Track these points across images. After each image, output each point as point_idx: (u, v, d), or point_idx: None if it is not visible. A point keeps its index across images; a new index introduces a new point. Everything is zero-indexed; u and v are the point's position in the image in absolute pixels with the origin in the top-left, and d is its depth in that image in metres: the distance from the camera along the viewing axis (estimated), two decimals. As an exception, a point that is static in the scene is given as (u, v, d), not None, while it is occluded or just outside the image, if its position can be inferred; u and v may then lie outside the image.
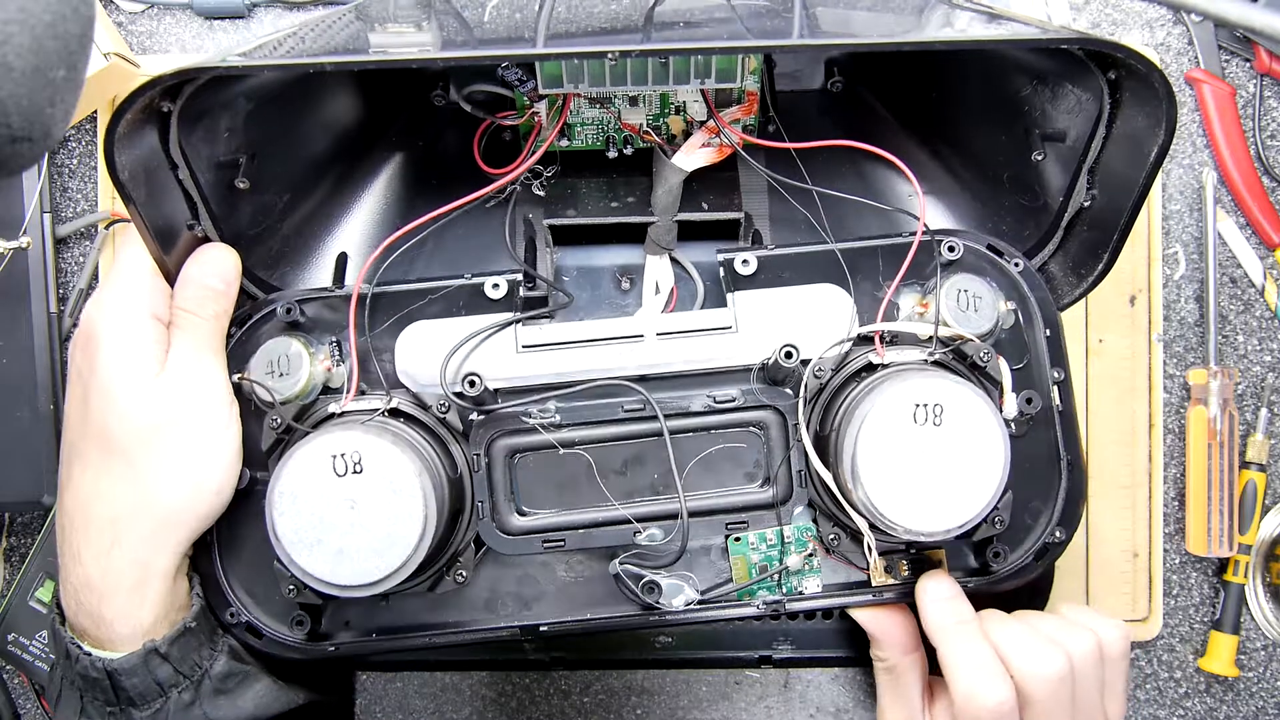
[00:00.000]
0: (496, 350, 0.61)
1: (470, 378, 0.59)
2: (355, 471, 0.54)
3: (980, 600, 0.63)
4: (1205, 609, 0.87)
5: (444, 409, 0.60)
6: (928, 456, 0.55)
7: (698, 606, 0.63)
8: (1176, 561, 0.87)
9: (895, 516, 0.55)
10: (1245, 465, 0.85)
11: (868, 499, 0.55)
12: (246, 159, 0.64)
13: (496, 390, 0.61)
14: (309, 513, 0.54)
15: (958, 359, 0.61)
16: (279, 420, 0.59)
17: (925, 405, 0.55)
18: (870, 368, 0.61)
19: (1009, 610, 0.63)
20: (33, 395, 0.79)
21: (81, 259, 0.82)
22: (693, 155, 0.70)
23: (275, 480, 0.54)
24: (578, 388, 0.60)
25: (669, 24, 0.61)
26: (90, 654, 0.57)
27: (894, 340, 0.62)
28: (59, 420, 0.79)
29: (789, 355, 0.59)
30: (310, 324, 0.62)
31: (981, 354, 0.60)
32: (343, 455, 0.54)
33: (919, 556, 0.64)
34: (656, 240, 0.71)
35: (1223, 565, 0.86)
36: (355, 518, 0.54)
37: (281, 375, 0.60)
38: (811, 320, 0.62)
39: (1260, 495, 0.84)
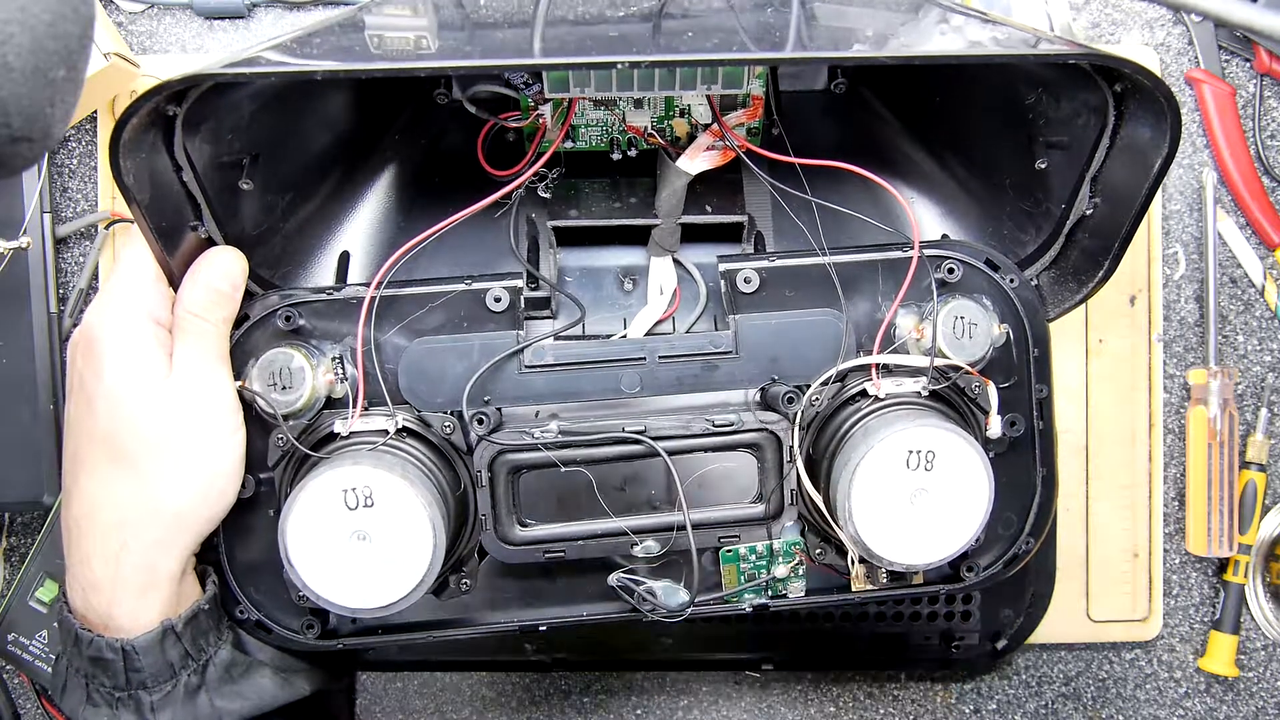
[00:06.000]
0: (500, 371, 0.62)
1: (479, 415, 0.60)
2: (366, 505, 0.55)
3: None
4: (1205, 609, 0.88)
5: (448, 430, 0.61)
6: (917, 498, 0.57)
7: (690, 608, 0.64)
8: (1176, 561, 0.87)
9: (883, 552, 0.58)
10: (1245, 465, 0.85)
11: (859, 536, 0.57)
12: (250, 160, 0.64)
13: (499, 408, 0.61)
14: (322, 544, 0.55)
15: (950, 388, 0.62)
16: (284, 438, 0.60)
17: (918, 452, 0.57)
18: (864, 394, 0.62)
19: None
20: (33, 395, 0.79)
21: (81, 259, 0.82)
22: (697, 158, 0.70)
23: (288, 512, 0.55)
24: (580, 437, 0.61)
25: (676, 30, 0.61)
26: (103, 636, 0.58)
27: (890, 366, 0.63)
28: (59, 420, 0.79)
29: (790, 400, 0.61)
30: (310, 330, 0.62)
31: (974, 385, 0.62)
32: (354, 490, 0.55)
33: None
34: (660, 242, 0.71)
35: (1223, 565, 0.87)
36: (367, 548, 0.55)
37: (284, 389, 0.60)
38: (810, 347, 0.63)
39: (1260, 495, 0.85)
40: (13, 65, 0.41)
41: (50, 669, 0.78)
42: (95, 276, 0.82)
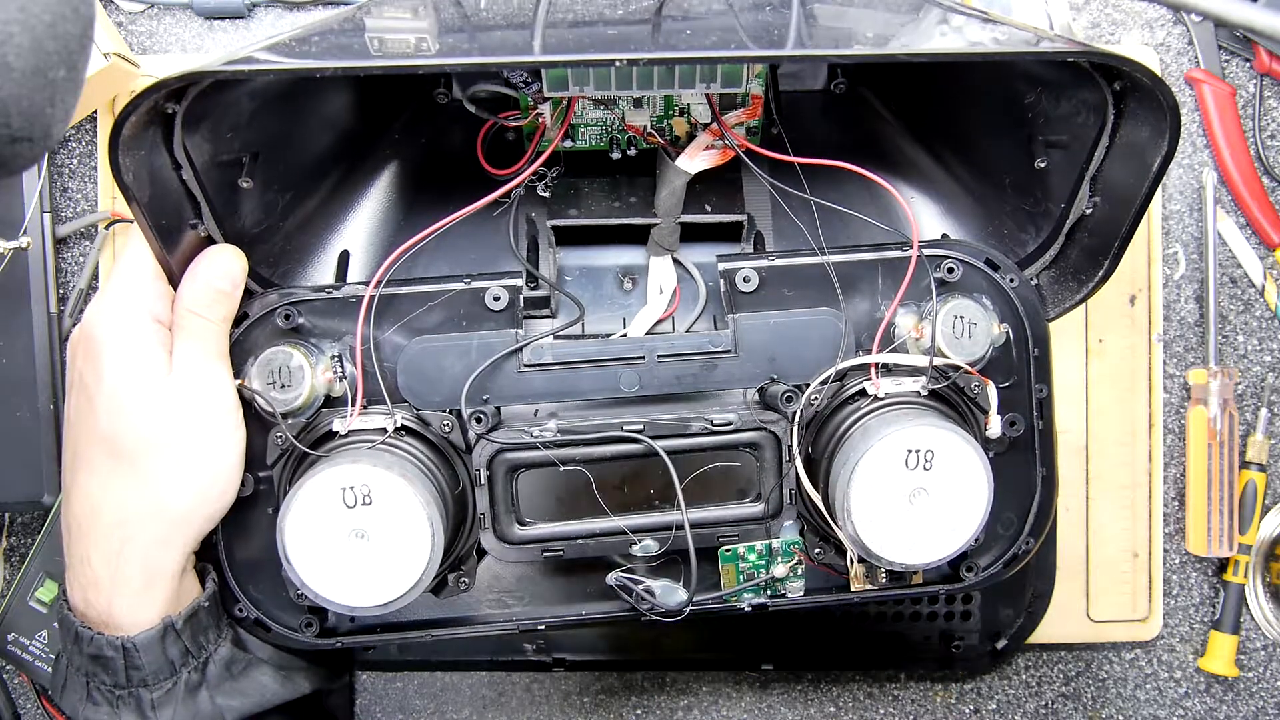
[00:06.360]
0: (499, 369, 0.62)
1: (477, 414, 0.60)
2: (365, 503, 0.55)
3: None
4: (1205, 609, 0.88)
5: (447, 429, 0.61)
6: (916, 498, 0.57)
7: (689, 607, 0.64)
8: (1176, 561, 0.87)
9: (882, 551, 0.58)
10: (1245, 465, 0.85)
11: (857, 535, 0.58)
12: (249, 158, 0.64)
13: (498, 407, 0.61)
14: (320, 542, 0.55)
15: (950, 388, 0.62)
16: (283, 437, 0.60)
17: (917, 451, 0.57)
18: (863, 393, 0.62)
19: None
20: (33, 395, 0.79)
21: (81, 259, 0.82)
22: (696, 158, 0.70)
23: (286, 510, 0.55)
24: (579, 435, 0.61)
25: (675, 29, 0.61)
26: (103, 634, 0.58)
27: (889, 365, 0.63)
28: (59, 420, 0.79)
29: (789, 399, 0.61)
30: (309, 328, 0.62)
31: (973, 384, 0.62)
32: (352, 488, 0.55)
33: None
34: (659, 241, 0.71)
35: (1223, 565, 0.87)
36: (365, 546, 0.56)
37: (283, 387, 0.60)
38: (809, 346, 0.63)
39: (1260, 495, 0.85)
40: (13, 65, 0.41)
41: (50, 669, 0.78)
42: (95, 276, 0.82)
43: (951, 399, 0.63)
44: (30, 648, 0.79)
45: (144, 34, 0.83)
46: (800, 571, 0.66)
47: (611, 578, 0.63)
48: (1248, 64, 0.85)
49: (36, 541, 0.79)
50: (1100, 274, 0.65)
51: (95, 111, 0.81)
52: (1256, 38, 0.83)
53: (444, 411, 0.61)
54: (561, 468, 0.61)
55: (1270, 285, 0.86)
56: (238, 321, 0.61)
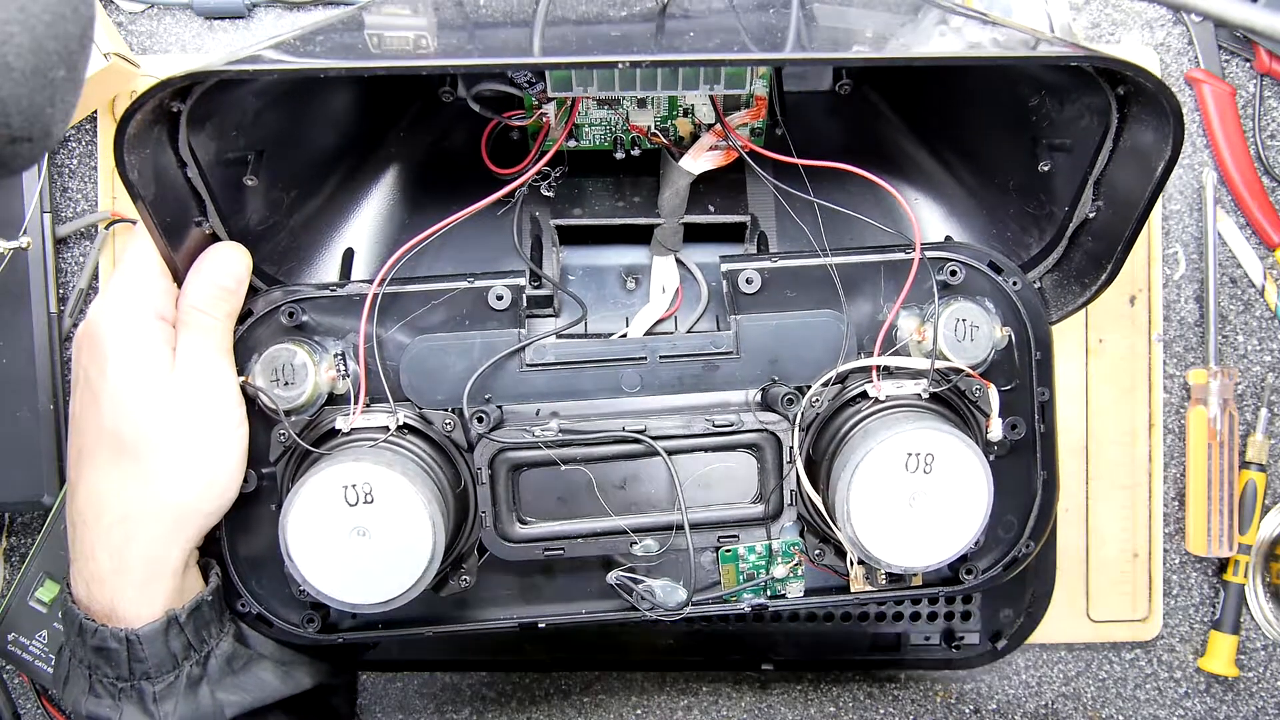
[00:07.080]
0: (502, 368, 0.62)
1: (479, 413, 0.60)
2: (366, 502, 0.55)
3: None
4: (1205, 609, 0.88)
5: (449, 427, 0.61)
6: (916, 500, 0.58)
7: (689, 606, 0.64)
8: (1176, 561, 0.87)
9: (882, 554, 0.58)
10: (1245, 465, 0.85)
11: (857, 537, 0.58)
12: (254, 156, 0.64)
13: (500, 406, 0.62)
14: (322, 540, 0.56)
15: (951, 390, 0.62)
16: (286, 434, 0.60)
17: (917, 454, 0.57)
18: (865, 395, 0.62)
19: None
20: (33, 395, 0.78)
21: (81, 259, 0.82)
22: (700, 158, 0.70)
23: (288, 508, 0.56)
24: (580, 435, 0.61)
25: (678, 30, 0.61)
26: (107, 626, 0.58)
27: (891, 368, 0.63)
28: (59, 420, 0.79)
29: (790, 401, 0.61)
30: (313, 326, 0.62)
31: (974, 388, 0.62)
32: (354, 486, 0.55)
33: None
34: (662, 242, 0.71)
35: (1223, 565, 0.87)
36: (367, 545, 0.56)
37: (286, 384, 0.60)
38: (811, 348, 0.63)
39: (1260, 495, 0.85)
40: (13, 65, 0.41)
41: (50, 669, 0.78)
42: (95, 276, 0.81)
43: (953, 402, 0.63)
44: (30, 648, 0.79)
45: (144, 34, 0.83)
46: (800, 572, 0.66)
47: (612, 577, 0.64)
48: (1248, 64, 0.85)
49: (36, 541, 0.79)
50: (1104, 277, 0.65)
51: (95, 111, 0.81)
52: (1256, 38, 0.83)
53: (446, 410, 0.61)
54: (563, 467, 0.61)
55: (1270, 285, 0.86)
56: (242, 319, 0.61)
